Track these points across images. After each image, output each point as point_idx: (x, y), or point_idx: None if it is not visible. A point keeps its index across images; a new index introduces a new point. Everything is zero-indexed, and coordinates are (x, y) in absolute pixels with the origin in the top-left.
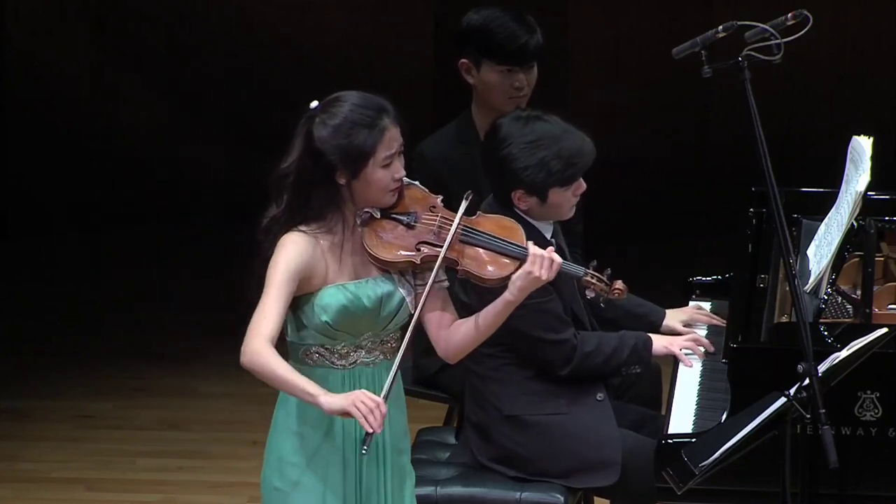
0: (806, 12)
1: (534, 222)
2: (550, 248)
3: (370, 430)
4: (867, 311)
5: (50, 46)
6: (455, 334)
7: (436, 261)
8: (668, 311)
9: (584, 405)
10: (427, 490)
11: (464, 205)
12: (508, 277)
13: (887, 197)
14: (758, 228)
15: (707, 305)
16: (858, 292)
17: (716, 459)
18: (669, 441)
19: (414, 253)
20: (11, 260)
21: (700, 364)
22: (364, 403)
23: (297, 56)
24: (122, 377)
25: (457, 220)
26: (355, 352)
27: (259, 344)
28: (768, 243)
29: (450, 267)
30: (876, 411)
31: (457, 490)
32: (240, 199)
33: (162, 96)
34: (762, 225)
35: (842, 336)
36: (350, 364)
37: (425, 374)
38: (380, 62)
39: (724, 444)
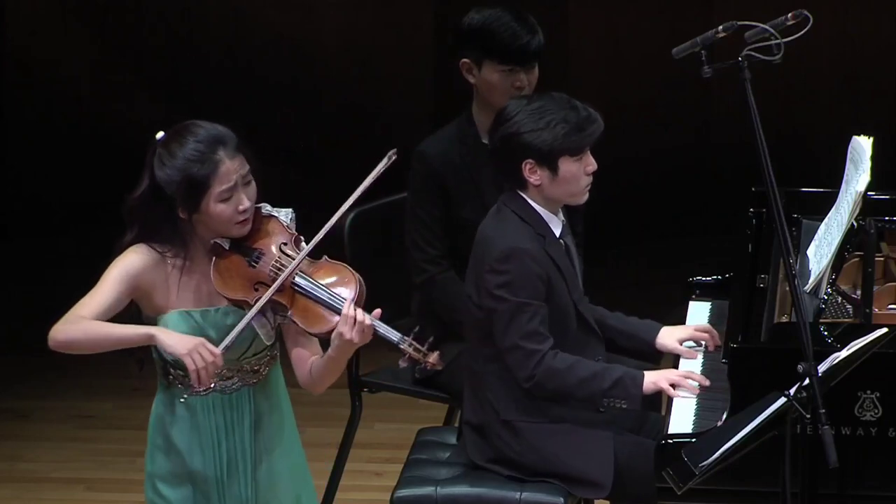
0: (806, 12)
1: (544, 214)
2: (377, 312)
3: (197, 388)
4: (867, 311)
5: (50, 46)
6: (310, 370)
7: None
8: (664, 329)
9: (583, 417)
10: (427, 490)
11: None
12: (332, 331)
13: (887, 197)
14: (758, 228)
15: (707, 305)
16: (858, 292)
17: (716, 459)
18: (669, 441)
19: (251, 294)
20: (11, 260)
21: (700, 364)
22: (201, 356)
23: (297, 55)
24: (122, 377)
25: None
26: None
27: (70, 319)
28: (768, 243)
29: (283, 311)
30: (876, 411)
31: (457, 490)
32: None
33: (162, 96)
34: (762, 225)
35: (842, 336)
36: (204, 391)
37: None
38: (380, 62)
39: (724, 445)
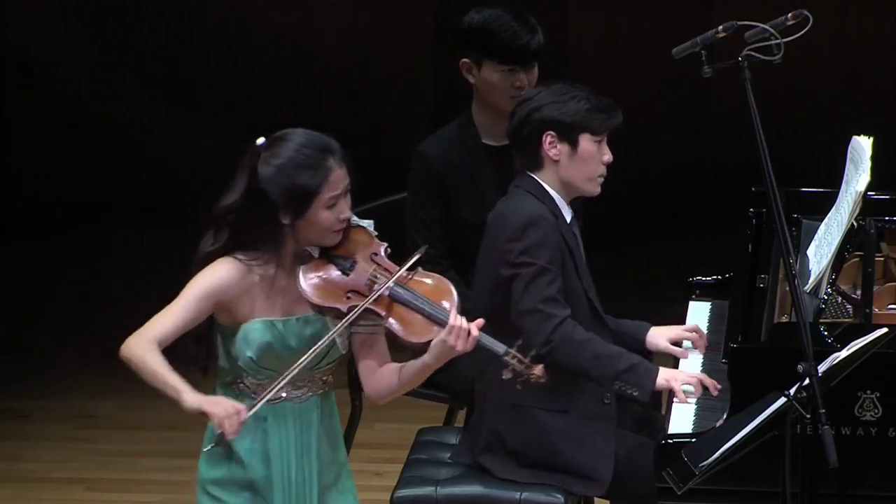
0: (806, 12)
1: (557, 198)
2: (479, 322)
3: (220, 434)
4: (867, 311)
5: (50, 46)
6: (382, 380)
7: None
8: (653, 329)
9: (588, 407)
10: (427, 490)
11: (406, 266)
12: (429, 342)
13: (887, 197)
14: (758, 228)
15: (707, 305)
16: (858, 292)
17: (716, 459)
18: (669, 441)
19: (342, 302)
20: (11, 260)
21: (700, 364)
22: (224, 408)
23: (298, 55)
24: (122, 377)
25: (392, 280)
26: (281, 388)
27: (140, 340)
28: (768, 243)
29: (375, 319)
30: (876, 411)
31: (457, 490)
32: None
33: (162, 96)
34: (762, 225)
35: (842, 336)
36: (275, 400)
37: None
38: (380, 61)
39: (724, 444)
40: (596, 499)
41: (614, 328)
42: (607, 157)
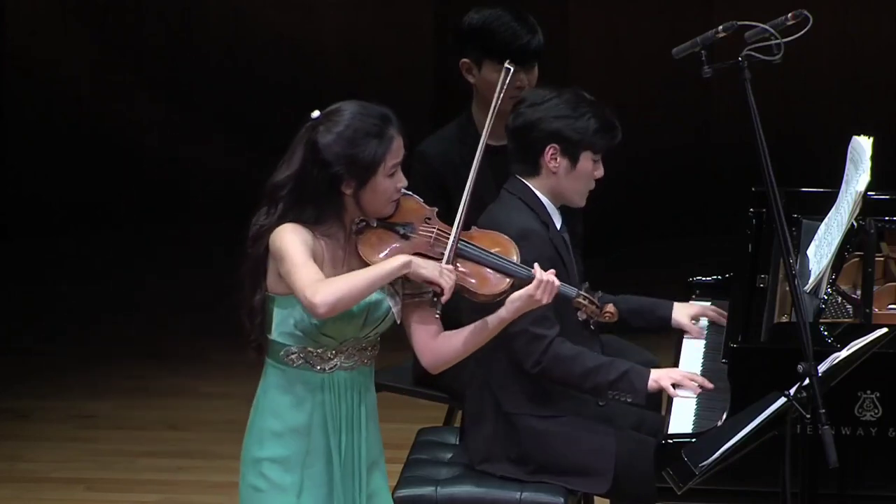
0: (806, 12)
1: (547, 205)
2: (551, 272)
3: (443, 302)
4: (867, 311)
5: (50, 46)
6: (442, 346)
7: None
8: (677, 305)
9: (584, 411)
10: (427, 490)
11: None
12: (501, 295)
13: (887, 197)
14: (758, 228)
15: (707, 305)
16: (858, 292)
17: (716, 459)
18: (669, 441)
19: None
20: (11, 260)
21: (700, 364)
22: (449, 280)
23: (298, 55)
24: (122, 377)
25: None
26: (335, 357)
27: (318, 282)
28: (768, 243)
29: None
30: (876, 411)
31: (457, 490)
32: (240, 197)
33: (162, 96)
34: (762, 225)
35: (842, 336)
36: (329, 369)
37: (425, 373)
38: (380, 61)
39: (724, 444)
40: (596, 499)
41: (635, 307)
42: (599, 172)
